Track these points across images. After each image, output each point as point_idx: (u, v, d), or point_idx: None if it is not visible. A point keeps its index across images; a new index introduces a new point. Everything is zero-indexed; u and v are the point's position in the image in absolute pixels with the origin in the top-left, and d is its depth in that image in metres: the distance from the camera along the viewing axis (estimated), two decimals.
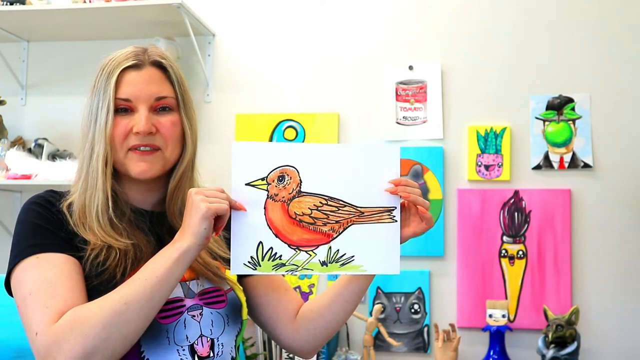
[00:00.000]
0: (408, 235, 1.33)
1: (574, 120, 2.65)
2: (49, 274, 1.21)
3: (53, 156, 2.75)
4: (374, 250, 1.30)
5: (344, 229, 1.29)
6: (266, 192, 1.27)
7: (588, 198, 2.62)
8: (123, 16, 2.69)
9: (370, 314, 2.61)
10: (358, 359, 2.55)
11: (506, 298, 2.62)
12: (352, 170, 1.30)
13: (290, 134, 2.79)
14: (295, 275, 1.35)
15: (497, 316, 2.51)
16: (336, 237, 1.29)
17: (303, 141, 2.77)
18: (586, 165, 2.63)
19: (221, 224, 1.24)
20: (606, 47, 2.66)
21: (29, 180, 2.63)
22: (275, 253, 1.27)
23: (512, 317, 2.61)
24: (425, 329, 2.66)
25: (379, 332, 2.60)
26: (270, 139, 2.79)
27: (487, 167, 2.67)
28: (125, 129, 1.31)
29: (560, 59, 2.68)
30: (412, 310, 2.67)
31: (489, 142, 2.67)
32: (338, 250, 1.29)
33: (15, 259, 1.25)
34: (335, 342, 2.63)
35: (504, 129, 2.67)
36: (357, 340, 2.65)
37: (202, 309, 1.30)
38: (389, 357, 2.66)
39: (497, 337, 2.51)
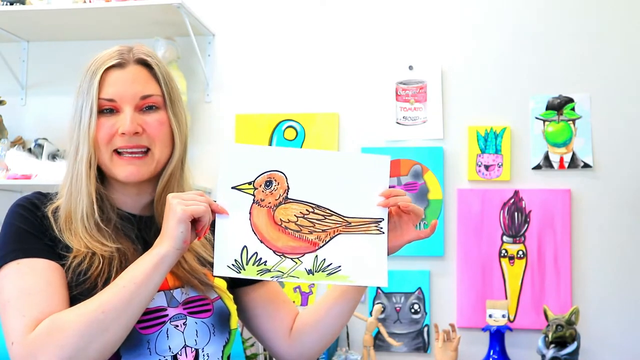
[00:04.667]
0: (402, 243, 1.31)
1: (574, 120, 2.65)
2: (29, 280, 1.19)
3: (53, 156, 2.75)
4: (361, 261, 1.27)
5: (331, 238, 1.26)
6: (252, 197, 1.25)
7: (588, 198, 2.62)
8: (123, 16, 2.69)
9: (370, 314, 2.61)
10: (358, 359, 2.55)
11: (506, 298, 2.62)
12: (340, 179, 1.28)
13: (290, 134, 2.79)
14: (281, 281, 1.36)
15: (497, 316, 2.51)
16: (322, 245, 1.26)
17: (303, 141, 2.77)
18: (586, 165, 2.63)
19: (202, 227, 1.21)
20: (606, 47, 2.66)
21: (29, 180, 2.63)
22: (260, 258, 1.24)
23: (512, 317, 2.61)
24: (425, 329, 2.66)
25: (379, 332, 2.60)
26: (270, 139, 2.79)
27: (487, 167, 2.67)
28: (110, 131, 1.28)
29: (560, 59, 2.68)
30: (412, 310, 2.67)
31: (489, 142, 2.67)
32: (325, 259, 1.26)
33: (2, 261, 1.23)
34: (335, 342, 2.63)
35: (504, 129, 2.67)
36: (357, 340, 2.65)
37: (186, 319, 1.26)
38: (389, 357, 2.66)
39: (497, 337, 2.51)
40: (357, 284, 1.29)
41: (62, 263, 1.23)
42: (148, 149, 1.31)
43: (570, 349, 2.39)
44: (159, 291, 1.25)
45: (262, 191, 1.25)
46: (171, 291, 1.28)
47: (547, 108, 2.66)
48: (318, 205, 1.26)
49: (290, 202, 1.26)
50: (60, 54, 2.98)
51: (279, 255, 1.25)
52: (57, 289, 1.20)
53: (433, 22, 2.77)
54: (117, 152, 1.30)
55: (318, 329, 1.41)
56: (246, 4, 2.88)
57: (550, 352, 2.40)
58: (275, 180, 1.26)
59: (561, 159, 2.64)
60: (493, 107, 2.70)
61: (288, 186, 1.26)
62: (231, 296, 1.37)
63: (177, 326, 1.25)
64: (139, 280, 1.15)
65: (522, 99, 2.69)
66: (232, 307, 1.35)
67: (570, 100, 2.65)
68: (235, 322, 1.35)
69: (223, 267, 1.23)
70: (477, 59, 2.73)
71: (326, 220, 1.26)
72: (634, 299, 2.58)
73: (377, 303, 2.65)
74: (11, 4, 2.69)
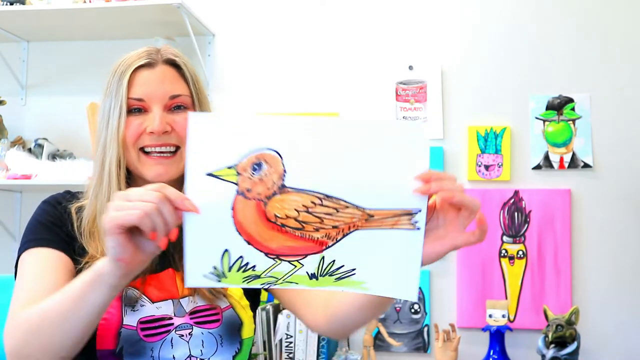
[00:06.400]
0: (445, 249, 0.99)
1: (574, 120, 2.65)
2: (26, 269, 1.22)
3: (53, 156, 2.75)
4: (383, 264, 0.97)
5: (344, 236, 0.96)
6: (235, 186, 0.94)
7: (588, 198, 2.62)
8: (123, 16, 2.68)
9: None
10: (358, 359, 2.55)
11: (506, 298, 2.62)
12: (359, 158, 0.94)
13: None
14: (274, 288, 1.22)
15: (497, 316, 2.51)
16: (332, 245, 0.96)
17: None
18: (586, 165, 2.63)
19: (156, 236, 0.95)
20: (606, 47, 2.66)
21: (29, 180, 2.63)
22: (247, 263, 0.96)
23: (512, 317, 2.61)
24: (425, 329, 2.66)
25: (379, 332, 2.60)
26: None
27: (487, 167, 2.67)
28: (138, 129, 1.27)
29: (560, 59, 2.68)
30: (412, 310, 2.67)
31: (489, 142, 2.67)
32: (334, 261, 0.97)
33: (17, 254, 1.27)
34: (335, 342, 2.63)
35: (504, 129, 2.67)
36: (357, 340, 2.65)
37: (192, 329, 1.24)
38: (389, 357, 2.66)
39: (497, 337, 2.51)
40: (374, 292, 1.00)
41: (75, 265, 1.24)
42: (177, 148, 1.29)
43: (570, 349, 2.39)
44: (166, 300, 1.24)
45: (249, 178, 0.94)
46: (179, 300, 1.26)
47: (547, 108, 2.66)
48: (327, 195, 0.94)
49: (289, 191, 0.94)
50: (60, 54, 2.98)
51: (272, 258, 0.96)
52: (45, 276, 1.20)
53: (433, 22, 2.77)
54: (144, 151, 1.28)
55: (352, 318, 1.27)
56: (246, 4, 2.88)
57: (550, 352, 2.40)
58: (267, 162, 0.94)
59: (561, 159, 2.64)
60: (493, 107, 2.70)
61: (284, 170, 0.94)
62: (246, 303, 1.32)
63: (182, 336, 1.24)
64: (74, 295, 1.05)
65: (522, 99, 2.69)
66: (245, 316, 1.30)
67: (570, 100, 2.65)
68: (249, 331, 1.31)
69: (197, 276, 0.96)
70: (477, 59, 2.73)
71: (339, 213, 0.95)
72: (634, 299, 2.58)
73: None
74: (11, 4, 2.69)
